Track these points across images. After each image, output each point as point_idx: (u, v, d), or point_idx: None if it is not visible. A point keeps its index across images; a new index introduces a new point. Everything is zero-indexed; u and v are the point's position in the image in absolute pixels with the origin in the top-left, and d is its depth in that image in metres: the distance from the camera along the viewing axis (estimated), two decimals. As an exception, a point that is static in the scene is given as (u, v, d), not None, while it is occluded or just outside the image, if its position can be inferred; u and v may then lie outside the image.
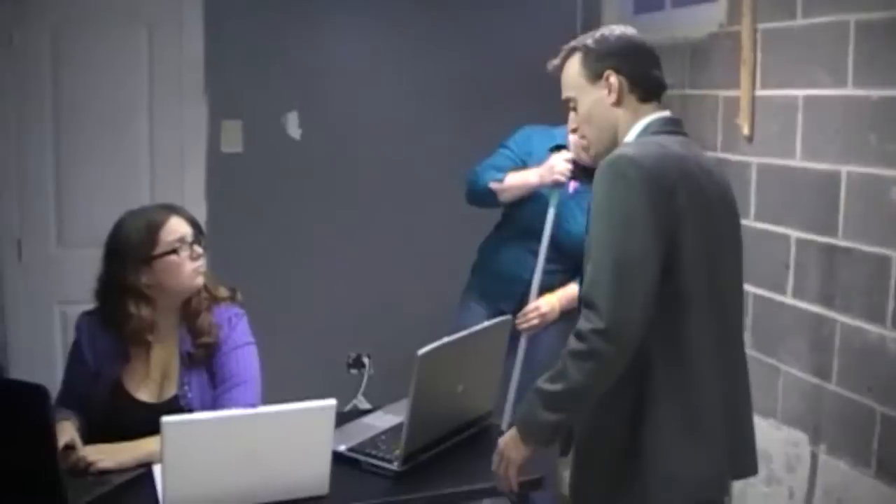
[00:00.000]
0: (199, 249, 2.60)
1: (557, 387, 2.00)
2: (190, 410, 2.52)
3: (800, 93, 3.17)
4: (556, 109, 3.25)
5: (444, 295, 3.73)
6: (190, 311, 2.63)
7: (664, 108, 2.28)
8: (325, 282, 4.41)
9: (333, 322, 4.40)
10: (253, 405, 2.53)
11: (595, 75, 2.17)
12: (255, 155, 4.32)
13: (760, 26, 3.34)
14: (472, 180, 3.43)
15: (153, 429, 2.09)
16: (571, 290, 3.24)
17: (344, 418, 2.75)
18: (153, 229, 2.55)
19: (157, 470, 2.25)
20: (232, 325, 2.66)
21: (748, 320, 3.46)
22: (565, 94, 2.25)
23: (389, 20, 4.42)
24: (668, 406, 2.03)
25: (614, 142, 2.18)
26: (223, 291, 2.74)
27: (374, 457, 2.42)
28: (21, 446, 2.06)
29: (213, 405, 2.55)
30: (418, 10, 4.44)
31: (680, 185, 2.00)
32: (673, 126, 2.20)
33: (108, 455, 2.38)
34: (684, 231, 2.00)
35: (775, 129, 3.31)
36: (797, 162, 3.20)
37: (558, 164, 3.22)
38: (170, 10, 4.18)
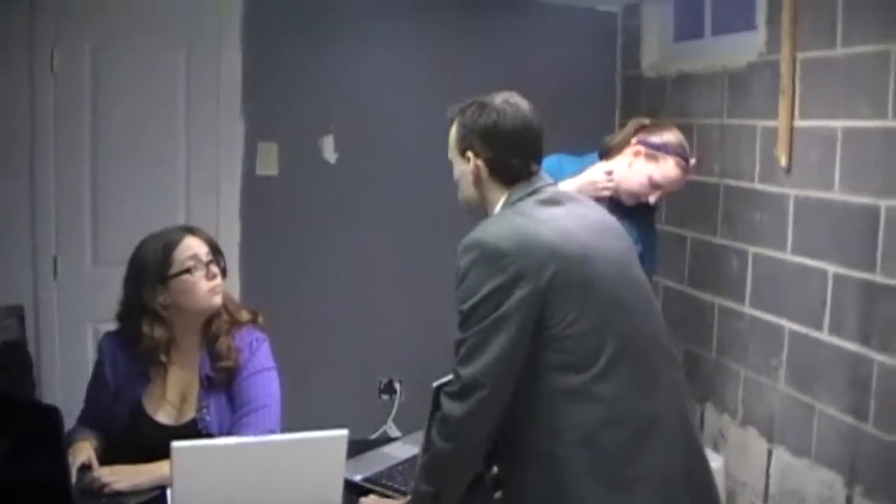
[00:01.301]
0: (214, 269, 2.58)
1: (426, 457, 2.05)
2: (208, 434, 2.50)
3: (839, 124, 3.12)
4: (594, 132, 3.29)
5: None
6: (210, 333, 2.61)
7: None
8: (358, 305, 4.39)
9: (366, 346, 4.38)
10: (271, 431, 2.51)
11: (461, 150, 2.14)
12: (290, 178, 4.32)
13: (800, 55, 3.29)
14: None
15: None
16: None
17: (366, 446, 2.73)
18: (168, 249, 2.55)
19: (170, 493, 2.24)
20: (253, 350, 2.63)
21: (783, 356, 3.40)
22: (449, 152, 2.22)
23: (425, 44, 4.42)
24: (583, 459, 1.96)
25: (483, 207, 2.16)
26: (245, 315, 2.71)
27: (390, 488, 2.38)
28: (34, 466, 2.07)
29: (232, 430, 2.53)
30: (454, 33, 4.44)
31: (535, 255, 1.94)
32: (537, 187, 2.12)
33: (123, 476, 2.37)
34: (558, 297, 1.94)
35: (814, 160, 3.24)
36: (835, 195, 3.14)
37: (598, 177, 3.01)
38: (208, 31, 4.22)
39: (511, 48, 4.51)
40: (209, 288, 2.56)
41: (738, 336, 3.70)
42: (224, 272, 2.65)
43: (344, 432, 2.13)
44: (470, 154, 2.11)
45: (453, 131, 2.17)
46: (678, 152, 3.00)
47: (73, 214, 4.19)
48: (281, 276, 4.34)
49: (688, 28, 4.29)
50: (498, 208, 2.12)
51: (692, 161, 3.05)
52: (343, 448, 2.14)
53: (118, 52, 4.15)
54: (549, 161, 3.28)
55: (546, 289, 1.92)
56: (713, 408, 3.88)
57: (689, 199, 4.02)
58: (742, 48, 3.69)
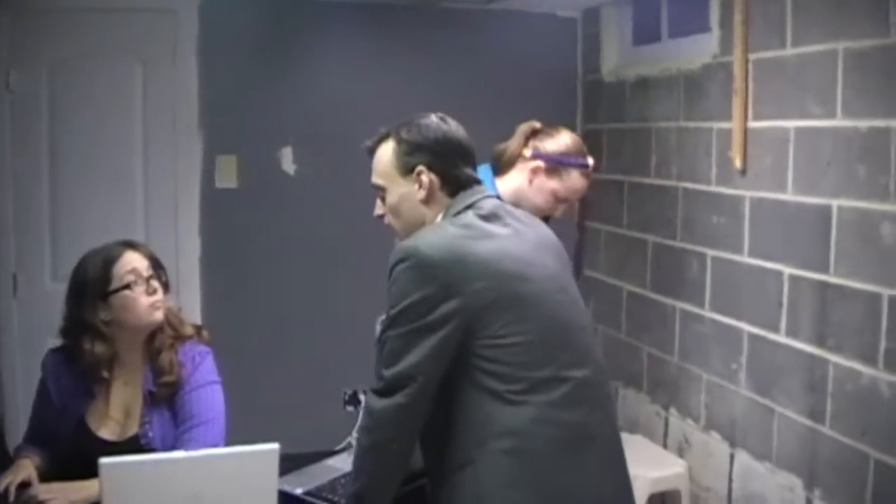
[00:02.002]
0: (155, 284, 2.54)
1: (355, 457, 2.07)
2: (151, 449, 2.46)
3: (791, 124, 3.11)
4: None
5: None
6: (153, 348, 2.57)
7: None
8: (321, 317, 4.37)
9: (330, 358, 4.35)
10: (215, 445, 2.46)
11: (407, 169, 2.09)
12: (250, 190, 4.32)
13: (752, 56, 3.28)
14: None
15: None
16: None
17: (311, 459, 2.70)
18: (108, 265, 2.51)
19: (101, 510, 2.20)
20: (196, 364, 2.59)
21: (743, 359, 3.39)
22: (374, 179, 2.15)
23: (383, 55, 4.41)
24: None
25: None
26: (188, 329, 2.67)
27: (330, 501, 2.36)
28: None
29: (175, 444, 2.48)
30: (412, 44, 4.44)
31: (467, 269, 1.93)
32: (476, 199, 2.09)
33: (60, 494, 2.33)
34: (489, 312, 1.92)
35: (768, 161, 3.23)
36: (789, 196, 3.13)
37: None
38: (164, 47, 4.21)
39: (471, 57, 4.51)
40: (150, 303, 2.53)
41: (699, 340, 3.68)
42: (166, 287, 2.62)
43: (275, 446, 2.09)
44: (421, 168, 2.08)
45: (388, 153, 2.12)
46: (580, 162, 2.73)
47: (33, 231, 4.18)
48: (243, 289, 4.33)
49: (646, 32, 4.29)
50: (439, 220, 2.09)
51: (592, 162, 2.77)
52: (275, 461, 2.10)
53: (74, 69, 4.15)
54: None
55: (475, 303, 1.91)
56: (677, 413, 3.86)
57: (649, 203, 4.03)
58: (697, 50, 3.69)
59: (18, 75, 4.09)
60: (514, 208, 2.20)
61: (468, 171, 2.12)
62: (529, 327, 1.94)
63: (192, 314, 4.20)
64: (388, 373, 1.95)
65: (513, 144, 2.77)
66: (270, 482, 2.12)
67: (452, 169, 2.09)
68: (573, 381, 1.97)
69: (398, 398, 1.93)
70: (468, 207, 2.05)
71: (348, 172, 4.34)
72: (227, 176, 4.30)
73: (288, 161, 4.36)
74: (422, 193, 2.08)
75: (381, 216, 2.19)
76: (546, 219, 2.68)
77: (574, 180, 2.73)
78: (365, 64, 4.39)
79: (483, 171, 2.71)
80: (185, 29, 4.22)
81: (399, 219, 2.14)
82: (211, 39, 4.22)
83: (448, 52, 4.49)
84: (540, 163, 2.70)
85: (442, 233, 2.00)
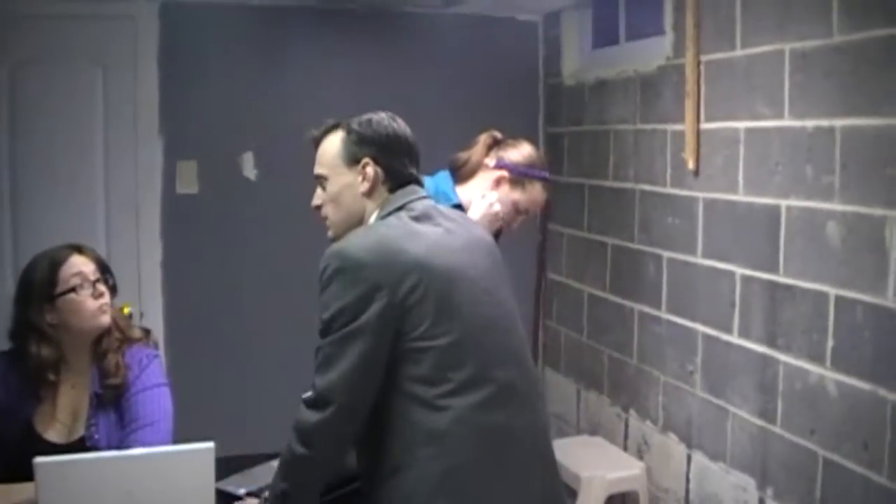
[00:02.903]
0: (102, 288, 2.55)
1: (283, 455, 2.04)
2: (97, 451, 2.46)
3: (741, 125, 3.13)
4: (513, 129, 3.16)
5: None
6: (99, 351, 2.56)
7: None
8: (284, 320, 4.36)
9: (289, 361, 4.33)
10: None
11: (353, 159, 2.11)
12: (211, 195, 4.31)
13: (704, 58, 3.31)
14: None
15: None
16: None
17: (263, 461, 2.69)
18: (54, 268, 2.51)
19: (37, 510, 2.20)
20: (143, 367, 2.59)
21: (698, 360, 3.40)
22: (317, 169, 2.18)
23: (343, 59, 4.42)
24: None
25: (357, 226, 2.13)
26: (136, 332, 2.68)
27: (272, 501, 2.34)
28: None
29: (120, 446, 2.47)
30: (374, 50, 4.45)
31: (396, 267, 1.93)
32: (410, 200, 2.11)
33: (2, 496, 2.33)
34: (416, 310, 1.92)
35: (719, 162, 3.25)
36: (740, 196, 3.15)
37: (494, 207, 2.69)
38: (124, 52, 4.22)
39: (432, 62, 4.53)
40: (96, 307, 2.53)
41: (657, 342, 3.69)
42: (113, 290, 2.62)
43: (210, 444, 2.09)
44: (367, 160, 2.10)
45: (336, 144, 2.14)
46: (543, 175, 2.75)
47: (-7, 237, 4.15)
48: (205, 293, 4.33)
49: (605, 35, 4.30)
50: (371, 221, 2.11)
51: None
52: (211, 460, 2.10)
53: (35, 74, 4.15)
54: None
55: (404, 301, 1.91)
56: (636, 415, 3.87)
57: (608, 205, 4.05)
58: (652, 53, 3.71)
59: (-21, 79, 4.08)
60: (450, 210, 2.21)
61: (411, 170, 2.15)
62: (454, 327, 1.94)
63: (154, 318, 4.22)
64: (319, 383, 1.94)
65: (475, 153, 2.77)
66: (207, 481, 2.12)
67: (397, 165, 2.12)
68: (496, 382, 1.97)
69: (330, 410, 1.92)
70: (400, 208, 2.07)
71: (310, 177, 4.36)
72: (188, 181, 4.30)
73: (249, 166, 4.36)
74: (365, 185, 2.10)
75: (319, 207, 2.19)
76: (498, 232, 2.68)
77: (536, 192, 2.74)
78: (326, 69, 4.40)
79: (443, 178, 2.78)
80: (145, 35, 4.23)
81: (338, 210, 2.15)
82: (171, 45, 4.23)
83: (409, 57, 4.50)
84: (504, 173, 2.71)
85: (371, 233, 2.02)
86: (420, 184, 2.17)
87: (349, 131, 2.13)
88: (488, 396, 1.95)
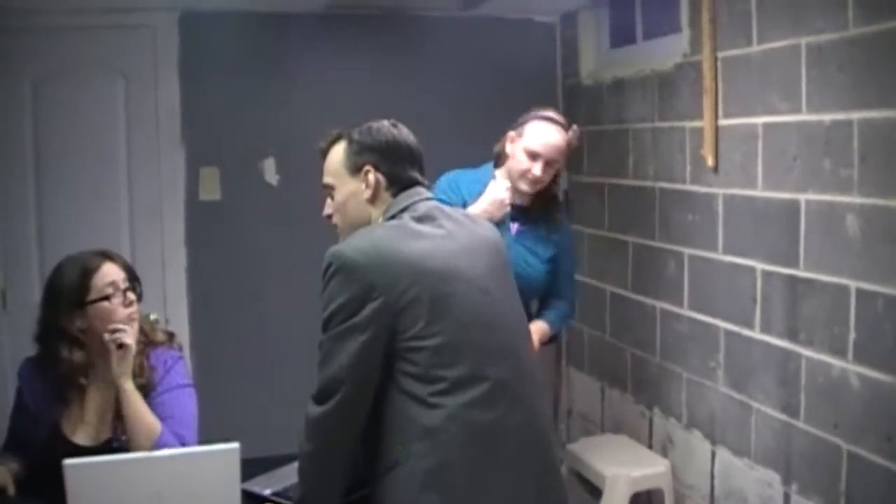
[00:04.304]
0: (132, 296, 2.59)
1: (299, 465, 2.10)
2: (125, 452, 2.48)
3: (759, 120, 3.14)
4: None
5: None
6: (125, 353, 2.62)
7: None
8: (304, 325, 4.37)
9: (314, 364, 4.38)
10: (186, 446, 2.50)
11: (355, 168, 2.17)
12: (233, 202, 4.36)
13: (720, 54, 3.32)
14: None
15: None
16: (539, 326, 3.12)
17: (287, 462, 2.72)
18: (86, 275, 2.55)
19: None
20: (167, 368, 2.64)
21: (720, 356, 3.41)
22: (325, 179, 2.25)
23: (362, 65, 4.45)
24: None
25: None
26: (160, 335, 2.72)
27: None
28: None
29: (148, 447, 2.53)
30: (391, 54, 4.47)
31: (390, 268, 1.99)
32: (413, 201, 2.16)
33: None
34: (411, 310, 1.98)
35: (738, 158, 3.26)
36: (759, 192, 3.16)
37: (500, 194, 3.02)
38: (145, 60, 4.26)
39: (450, 65, 4.56)
40: (127, 314, 2.57)
41: (679, 339, 3.70)
42: (140, 297, 2.66)
43: (235, 445, 2.14)
44: (369, 167, 2.15)
45: (339, 153, 2.22)
46: (541, 116, 3.07)
47: (20, 247, 4.23)
48: (229, 299, 4.37)
49: (622, 35, 4.32)
50: (379, 221, 2.17)
51: (562, 120, 3.10)
52: (236, 461, 2.15)
53: (57, 85, 4.21)
54: (446, 178, 3.26)
55: (399, 302, 1.97)
56: (660, 412, 3.87)
57: (628, 204, 4.06)
58: (669, 51, 3.72)
59: (2, 92, 4.14)
60: (455, 210, 2.26)
61: (413, 173, 2.20)
62: (447, 327, 1.99)
63: (180, 324, 4.27)
64: (321, 378, 2.02)
65: (502, 142, 3.17)
66: (233, 481, 2.17)
67: (399, 170, 2.17)
68: (490, 380, 2.01)
69: (331, 404, 1.98)
70: (403, 210, 2.13)
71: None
72: (210, 188, 4.34)
73: (270, 172, 4.40)
74: (368, 192, 2.15)
75: (330, 216, 2.27)
76: (546, 193, 3.09)
77: (538, 130, 3.04)
78: (343, 74, 4.43)
79: (486, 169, 3.21)
80: (165, 44, 4.28)
81: (345, 217, 2.22)
82: (191, 53, 4.27)
83: (427, 60, 4.52)
84: (510, 133, 3.11)
85: (369, 235, 2.08)
86: (425, 185, 2.22)
87: (350, 141, 2.20)
88: (481, 394, 2.00)
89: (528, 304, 3.04)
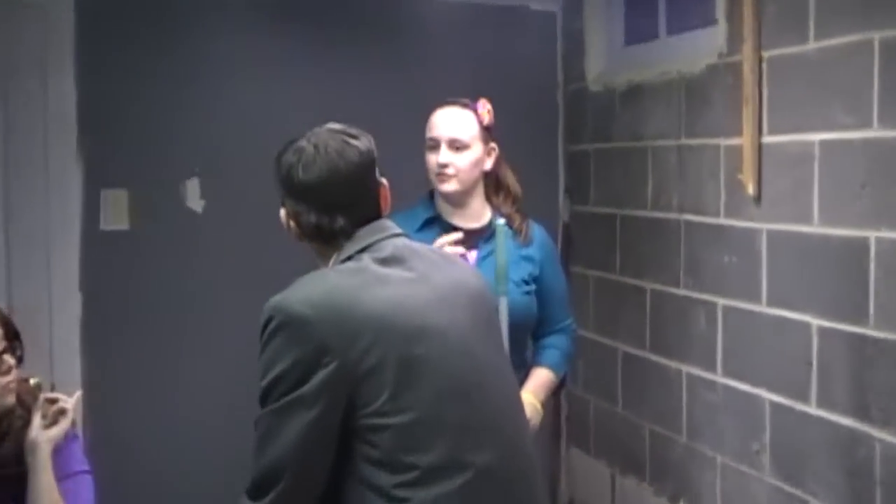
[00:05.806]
0: (10, 361, 2.56)
1: None
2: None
3: (815, 137, 3.12)
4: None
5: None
6: (-1, 433, 2.57)
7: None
8: (236, 396, 4.27)
9: (247, 451, 4.27)
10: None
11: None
12: (146, 232, 4.28)
13: (766, 53, 3.32)
14: None
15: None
16: (541, 377, 3.14)
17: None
18: None
19: None
20: (58, 450, 2.59)
21: (766, 437, 3.37)
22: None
23: (315, 60, 4.44)
24: None
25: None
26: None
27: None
28: None
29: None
30: (352, 47, 4.47)
31: (348, 325, 1.97)
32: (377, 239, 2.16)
33: None
34: (373, 378, 1.96)
35: (787, 185, 3.25)
36: (815, 228, 3.14)
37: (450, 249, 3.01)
38: (31, 58, 4.16)
39: (424, 61, 4.56)
40: (3, 385, 2.54)
41: (711, 413, 3.67)
42: (20, 361, 2.63)
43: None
44: (285, 210, 2.21)
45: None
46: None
47: None
48: (136, 358, 4.27)
49: (640, 29, 4.33)
50: (330, 265, 2.16)
51: (463, 100, 3.16)
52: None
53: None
54: None
55: (358, 367, 1.94)
56: (687, 507, 3.85)
57: (646, 241, 4.06)
58: (700, 49, 3.73)
59: None
60: (428, 249, 2.27)
61: (355, 212, 2.14)
62: (418, 399, 1.96)
63: (71, 390, 4.12)
64: (258, 465, 1.97)
65: None
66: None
67: (323, 216, 2.13)
68: (471, 469, 1.98)
69: (270, 497, 1.96)
70: (363, 250, 2.10)
71: (268, 208, 4.30)
72: (117, 215, 4.26)
73: (194, 196, 4.34)
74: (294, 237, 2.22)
75: None
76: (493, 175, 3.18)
77: (430, 119, 3.17)
78: (292, 72, 4.40)
79: (420, 201, 3.24)
80: (58, 31, 4.18)
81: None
82: (92, 45, 4.19)
83: (394, 56, 4.51)
84: None
85: (320, 283, 2.06)
86: (381, 217, 2.20)
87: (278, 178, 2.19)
88: (459, 486, 1.97)
89: (522, 344, 3.13)
